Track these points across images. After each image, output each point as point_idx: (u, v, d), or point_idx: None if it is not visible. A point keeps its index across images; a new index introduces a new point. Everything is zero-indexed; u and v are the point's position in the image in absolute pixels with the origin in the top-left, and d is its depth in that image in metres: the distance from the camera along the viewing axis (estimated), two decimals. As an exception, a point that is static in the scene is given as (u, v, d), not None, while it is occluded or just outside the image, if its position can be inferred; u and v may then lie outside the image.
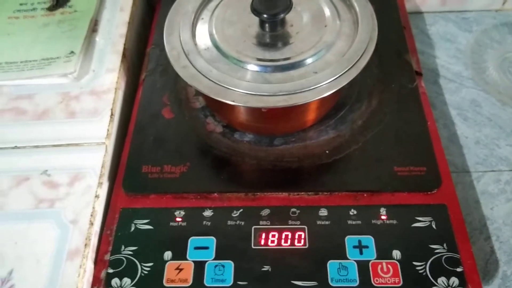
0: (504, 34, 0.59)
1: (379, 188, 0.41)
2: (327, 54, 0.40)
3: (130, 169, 0.43)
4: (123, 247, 0.39)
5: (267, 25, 0.41)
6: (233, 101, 0.37)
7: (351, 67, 0.38)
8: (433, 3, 0.64)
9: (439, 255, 0.37)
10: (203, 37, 0.42)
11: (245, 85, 0.38)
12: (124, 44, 0.52)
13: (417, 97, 0.47)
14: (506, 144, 0.50)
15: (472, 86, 0.55)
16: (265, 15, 0.39)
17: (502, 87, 0.54)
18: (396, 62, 0.50)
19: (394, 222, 0.39)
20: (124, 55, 0.51)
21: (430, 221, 0.39)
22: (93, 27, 0.54)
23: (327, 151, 0.43)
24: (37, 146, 0.44)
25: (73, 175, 0.42)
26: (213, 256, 0.38)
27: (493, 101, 0.54)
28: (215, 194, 0.42)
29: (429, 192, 0.40)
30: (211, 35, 0.42)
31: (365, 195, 0.41)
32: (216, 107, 0.46)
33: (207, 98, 0.47)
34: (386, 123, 0.45)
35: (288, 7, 0.39)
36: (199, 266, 0.38)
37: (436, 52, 0.60)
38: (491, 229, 0.45)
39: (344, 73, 0.38)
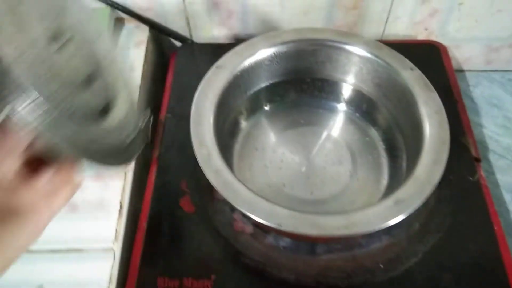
0: (561, 103, 0.53)
1: (447, 319, 0.34)
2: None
3: (142, 283, 0.36)
4: None
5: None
6: (280, 226, 0.29)
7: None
8: (477, 61, 0.58)
9: None
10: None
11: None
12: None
13: (480, 192, 0.40)
14: None
15: (528, 165, 0.49)
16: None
17: None
18: (451, 146, 0.43)
19: None
20: (135, 128, 0.44)
21: None
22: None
23: (381, 265, 0.36)
24: (29, 251, 0.36)
25: (73, 292, 0.35)
26: None
27: (554, 185, 0.47)
28: (247, 318, 0.34)
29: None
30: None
31: (430, 328, 0.34)
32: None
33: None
34: (447, 227, 0.38)
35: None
36: None
37: (482, 120, 0.54)
38: None
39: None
